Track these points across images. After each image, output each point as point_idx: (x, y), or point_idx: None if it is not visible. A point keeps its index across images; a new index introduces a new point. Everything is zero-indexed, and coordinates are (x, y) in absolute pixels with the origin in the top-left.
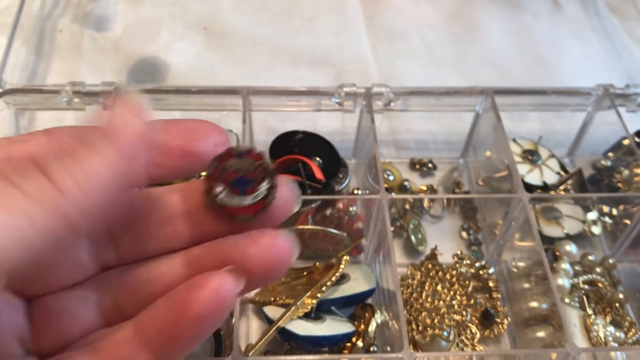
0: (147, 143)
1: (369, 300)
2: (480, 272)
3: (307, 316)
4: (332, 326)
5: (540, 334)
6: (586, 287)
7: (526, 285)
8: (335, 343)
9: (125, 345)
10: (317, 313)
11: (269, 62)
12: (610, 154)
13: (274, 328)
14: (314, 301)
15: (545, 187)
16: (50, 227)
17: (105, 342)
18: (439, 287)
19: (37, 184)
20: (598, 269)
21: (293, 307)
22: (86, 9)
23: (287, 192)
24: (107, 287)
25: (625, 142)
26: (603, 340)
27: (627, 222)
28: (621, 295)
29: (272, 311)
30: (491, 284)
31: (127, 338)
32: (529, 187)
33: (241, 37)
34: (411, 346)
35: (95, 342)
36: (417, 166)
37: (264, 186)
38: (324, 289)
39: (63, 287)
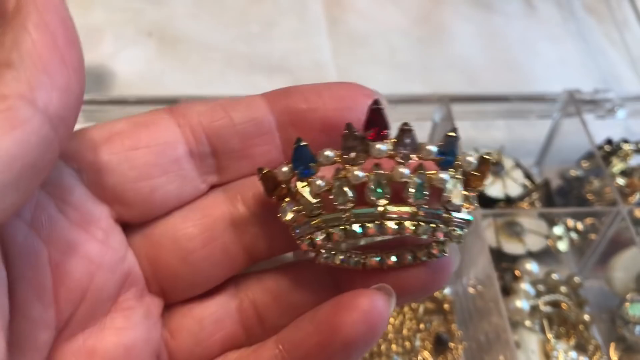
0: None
1: None
2: (435, 292)
3: None
4: None
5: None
6: (548, 308)
7: (483, 307)
8: None
9: None
10: None
11: (223, 69)
12: (583, 163)
13: None
14: None
15: (508, 200)
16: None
17: None
18: None
19: None
20: (563, 288)
21: None
22: None
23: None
24: (247, 293)
25: (604, 148)
26: None
27: (594, 236)
28: (587, 317)
29: None
30: (446, 306)
31: (270, 359)
32: (491, 201)
33: (195, 44)
34: None
35: None
36: None
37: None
38: None
39: (203, 286)
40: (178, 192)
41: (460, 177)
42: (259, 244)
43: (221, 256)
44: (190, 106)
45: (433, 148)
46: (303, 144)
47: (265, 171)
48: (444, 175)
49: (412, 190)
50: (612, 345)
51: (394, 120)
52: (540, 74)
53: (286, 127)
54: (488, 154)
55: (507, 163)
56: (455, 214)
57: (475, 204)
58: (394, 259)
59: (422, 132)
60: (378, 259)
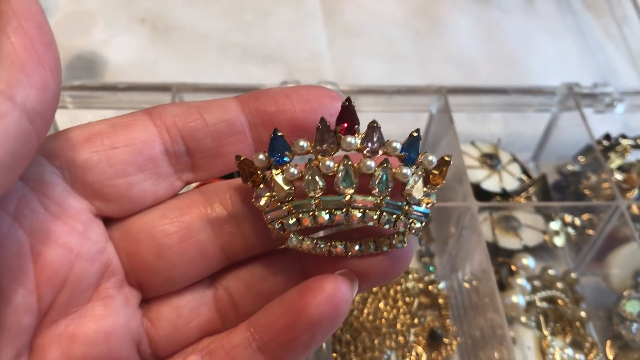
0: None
1: None
2: (430, 287)
3: None
4: None
5: (495, 355)
6: (544, 304)
7: (478, 302)
8: None
9: (240, 349)
10: None
11: (217, 58)
12: (580, 158)
13: None
14: None
15: (504, 194)
16: None
17: (219, 344)
18: (381, 305)
19: None
20: (559, 284)
21: None
22: None
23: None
24: (222, 282)
25: (602, 143)
26: None
27: (591, 232)
28: (583, 314)
29: None
30: (441, 301)
31: (241, 342)
32: (487, 194)
33: (189, 32)
34: None
35: (209, 345)
36: None
37: (399, 225)
38: None
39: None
40: (154, 189)
41: (421, 174)
42: (235, 243)
43: (197, 253)
44: (166, 108)
45: (397, 145)
46: (279, 134)
47: (242, 158)
48: (406, 170)
49: (376, 182)
50: (609, 343)
51: (391, 111)
52: (537, 68)
53: (257, 128)
54: (449, 155)
55: (504, 157)
56: (415, 207)
57: (434, 200)
58: (357, 247)
59: (418, 124)
60: (343, 247)
